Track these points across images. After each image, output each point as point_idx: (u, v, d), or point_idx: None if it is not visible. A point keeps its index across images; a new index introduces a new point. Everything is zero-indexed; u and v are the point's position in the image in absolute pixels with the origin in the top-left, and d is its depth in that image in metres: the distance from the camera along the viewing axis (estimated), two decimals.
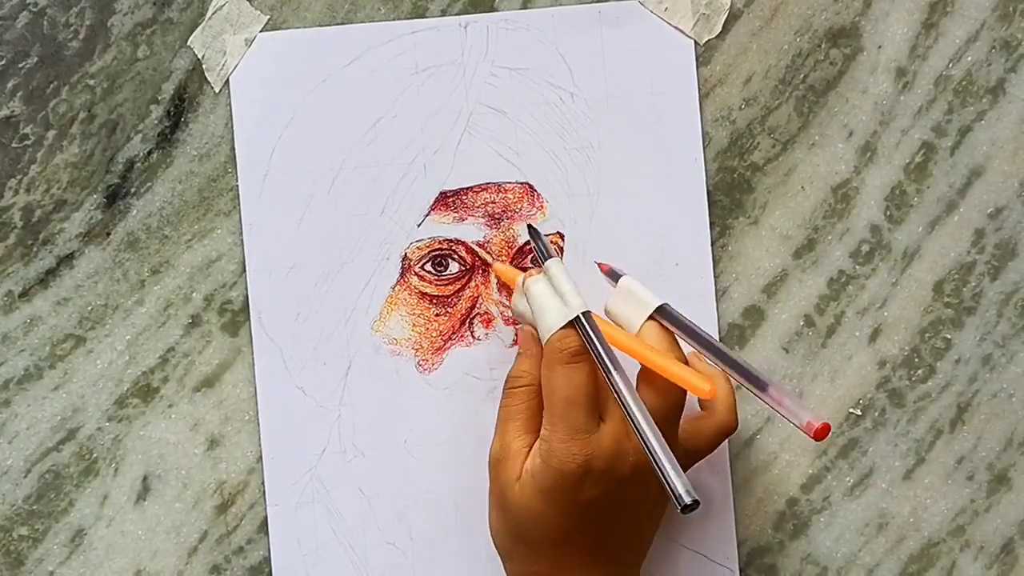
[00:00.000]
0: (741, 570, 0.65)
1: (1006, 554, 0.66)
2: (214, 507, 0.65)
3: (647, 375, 0.58)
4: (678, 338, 0.59)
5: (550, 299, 0.58)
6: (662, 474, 0.53)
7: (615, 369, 0.56)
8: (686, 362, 0.59)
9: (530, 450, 0.58)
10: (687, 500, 0.52)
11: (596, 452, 0.56)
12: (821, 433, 0.55)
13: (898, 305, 0.66)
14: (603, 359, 0.56)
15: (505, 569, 0.61)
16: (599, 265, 0.64)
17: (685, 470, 0.54)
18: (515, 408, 0.59)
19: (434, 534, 0.65)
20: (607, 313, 0.61)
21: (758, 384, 0.57)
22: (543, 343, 0.58)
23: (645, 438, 0.54)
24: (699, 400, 0.61)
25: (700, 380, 0.56)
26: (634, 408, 0.55)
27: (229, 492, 0.65)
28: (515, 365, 0.60)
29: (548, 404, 0.57)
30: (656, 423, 0.55)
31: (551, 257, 0.60)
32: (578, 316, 0.57)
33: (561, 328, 0.57)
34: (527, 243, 0.65)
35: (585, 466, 0.56)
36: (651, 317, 0.59)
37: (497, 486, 0.59)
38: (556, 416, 0.56)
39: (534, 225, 0.64)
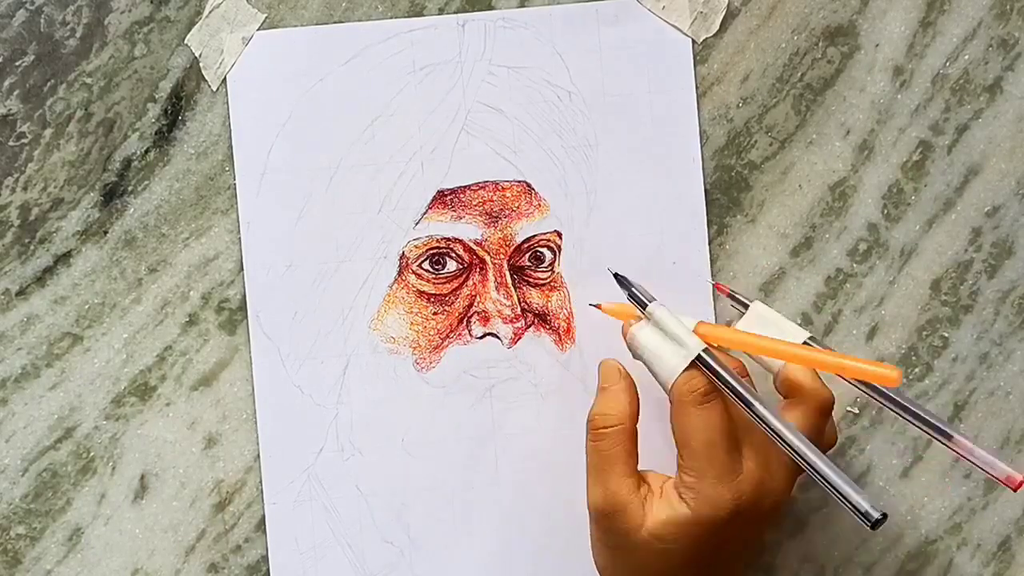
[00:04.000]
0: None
1: (1003, 552, 0.66)
2: (212, 506, 0.65)
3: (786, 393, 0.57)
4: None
5: (663, 343, 0.57)
6: (840, 496, 0.51)
7: (755, 400, 0.54)
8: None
9: (640, 493, 0.56)
10: (876, 515, 0.50)
11: (744, 493, 0.55)
12: (1018, 485, 0.54)
13: (895, 303, 0.66)
14: (739, 391, 0.55)
15: None
16: (716, 286, 0.63)
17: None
18: (612, 452, 0.57)
19: (432, 532, 0.65)
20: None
21: (943, 434, 0.56)
22: (666, 389, 0.56)
23: (811, 463, 0.52)
24: (777, 389, 0.59)
25: (884, 369, 0.55)
26: (789, 436, 0.53)
27: (227, 491, 0.65)
28: (598, 403, 0.58)
29: (687, 449, 0.55)
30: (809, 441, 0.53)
31: (651, 301, 0.58)
32: (699, 355, 0.56)
33: (685, 370, 0.55)
34: (525, 241, 0.65)
35: (736, 509, 0.55)
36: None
37: (613, 535, 0.57)
38: (700, 461, 0.55)
39: (621, 274, 0.61)
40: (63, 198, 0.65)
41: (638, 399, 0.58)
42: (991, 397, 0.66)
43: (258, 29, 0.65)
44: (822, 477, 0.52)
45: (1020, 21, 0.67)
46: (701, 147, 0.66)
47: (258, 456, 0.65)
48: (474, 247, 0.65)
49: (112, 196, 0.65)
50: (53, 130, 0.65)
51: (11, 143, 0.65)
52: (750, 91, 0.66)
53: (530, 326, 0.65)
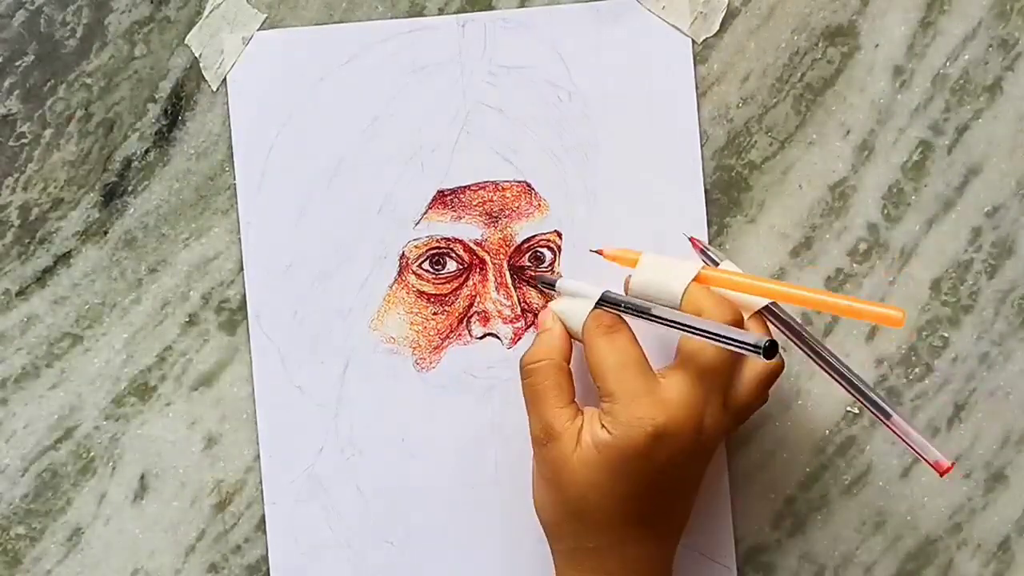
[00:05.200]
0: (739, 568, 0.65)
1: (1003, 552, 0.66)
2: (212, 506, 0.65)
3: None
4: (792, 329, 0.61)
5: (574, 304, 0.61)
6: (730, 341, 0.54)
7: (653, 306, 0.58)
8: (741, 325, 0.59)
9: (576, 423, 0.58)
10: (764, 343, 0.53)
11: (661, 415, 0.56)
12: (948, 470, 0.58)
13: (895, 303, 0.66)
14: (636, 304, 0.58)
15: (552, 549, 0.60)
16: (692, 240, 0.64)
17: (737, 427, 0.58)
18: (545, 385, 0.59)
19: (432, 532, 0.65)
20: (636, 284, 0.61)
21: (882, 412, 0.59)
22: (582, 336, 0.60)
23: (695, 326, 0.56)
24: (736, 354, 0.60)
25: (887, 309, 0.56)
26: (683, 319, 0.56)
27: (227, 491, 0.65)
28: (531, 347, 0.61)
29: (601, 379, 0.58)
30: (712, 371, 0.57)
31: (556, 280, 0.63)
32: (602, 296, 0.60)
33: (591, 312, 0.59)
34: (525, 241, 0.65)
35: (653, 430, 0.56)
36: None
37: (549, 464, 0.58)
38: (611, 384, 0.57)
39: (534, 273, 0.65)
40: (63, 198, 0.65)
41: (570, 342, 0.61)
42: (991, 397, 0.66)
43: (258, 29, 0.65)
44: (712, 333, 0.55)
45: (1020, 21, 0.67)
46: (701, 147, 0.66)
47: (258, 456, 0.65)
48: (474, 247, 0.65)
49: (112, 196, 0.65)
50: (53, 130, 0.65)
51: (11, 143, 0.65)
52: (750, 91, 0.66)
53: (530, 326, 0.65)
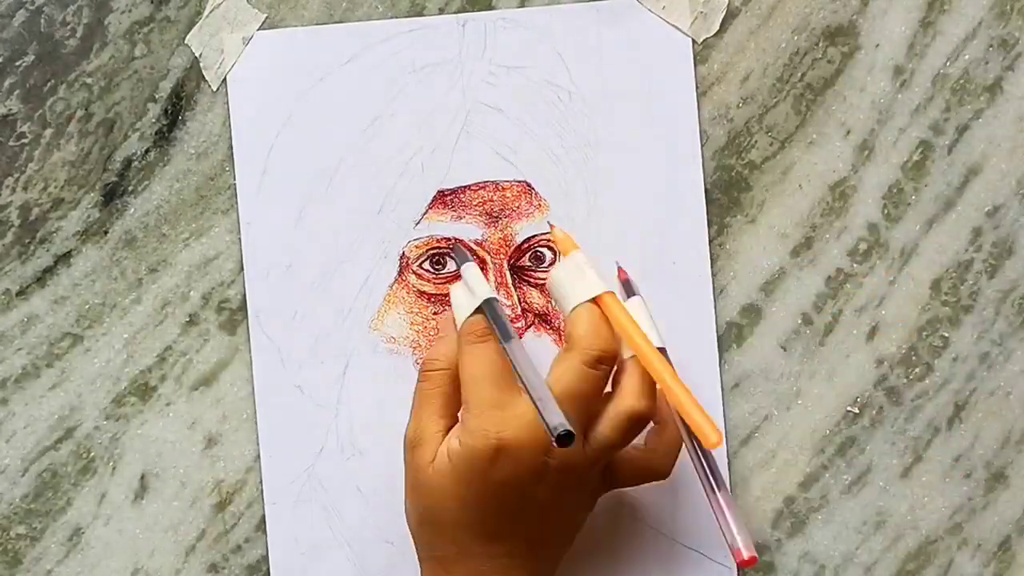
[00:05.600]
0: (739, 568, 0.65)
1: (1003, 552, 0.66)
2: (212, 506, 0.65)
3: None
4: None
5: (463, 297, 0.61)
6: (538, 408, 0.54)
7: (510, 339, 0.58)
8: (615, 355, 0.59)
9: (445, 434, 0.58)
10: (562, 430, 0.52)
11: (508, 429, 0.56)
12: (747, 563, 0.57)
13: (896, 303, 0.66)
14: (501, 333, 0.58)
15: (417, 556, 0.60)
16: (619, 270, 0.64)
17: (601, 468, 0.59)
18: (431, 391, 0.60)
19: None
20: (552, 279, 0.62)
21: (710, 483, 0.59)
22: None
23: (523, 375, 0.55)
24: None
25: (711, 428, 0.56)
26: (524, 369, 0.56)
27: (227, 491, 0.65)
28: (432, 349, 0.62)
29: (463, 386, 0.58)
30: (572, 398, 0.56)
31: (465, 262, 0.63)
32: (484, 301, 0.60)
33: (469, 316, 0.60)
34: (525, 241, 0.65)
35: (497, 443, 0.56)
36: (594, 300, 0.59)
37: (411, 469, 0.59)
38: (468, 393, 0.58)
39: (452, 245, 0.65)
40: (63, 198, 0.65)
41: None
42: (991, 397, 0.66)
43: (258, 29, 0.65)
44: (528, 388, 0.55)
45: (1020, 21, 0.67)
46: (701, 147, 0.66)
47: (258, 456, 0.65)
48: (474, 247, 0.65)
49: (112, 196, 0.65)
50: (53, 130, 0.65)
51: (11, 143, 0.65)
52: (750, 91, 0.66)
53: (530, 326, 0.65)
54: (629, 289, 0.63)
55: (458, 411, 0.60)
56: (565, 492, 0.58)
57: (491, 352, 0.58)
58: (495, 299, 0.60)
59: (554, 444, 0.52)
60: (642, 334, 0.59)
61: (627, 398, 0.58)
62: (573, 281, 0.60)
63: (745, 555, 0.56)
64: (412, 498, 0.60)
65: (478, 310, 0.60)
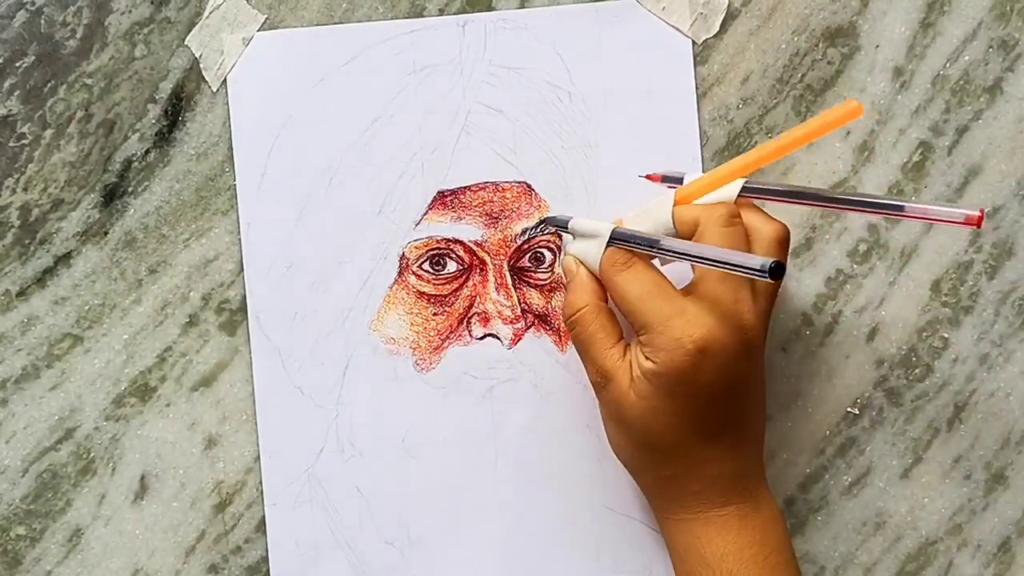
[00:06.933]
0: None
1: (1003, 552, 0.66)
2: (212, 506, 0.65)
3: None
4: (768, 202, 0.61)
5: (586, 245, 0.61)
6: (737, 267, 0.53)
7: (660, 238, 0.58)
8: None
9: (627, 360, 0.59)
10: (771, 263, 0.52)
11: (697, 330, 0.56)
12: (979, 220, 0.56)
13: (895, 304, 0.66)
14: (643, 238, 0.58)
15: (638, 484, 0.62)
16: (648, 177, 0.65)
17: (771, 308, 0.59)
18: (591, 332, 0.60)
19: (432, 533, 0.65)
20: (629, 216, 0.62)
21: (894, 208, 0.58)
22: (601, 278, 0.60)
23: (694, 255, 0.56)
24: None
25: (842, 107, 0.56)
26: (693, 250, 0.56)
27: (227, 491, 0.65)
28: (566, 298, 0.62)
29: (629, 314, 0.58)
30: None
31: (568, 220, 0.63)
32: (612, 231, 0.60)
33: (604, 251, 0.60)
34: (525, 242, 0.65)
35: (694, 346, 0.56)
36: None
37: (612, 405, 0.59)
38: (641, 316, 0.57)
39: (546, 215, 0.66)
40: (63, 199, 0.65)
41: (598, 280, 0.61)
42: (991, 398, 0.66)
43: (258, 30, 0.65)
44: (717, 261, 0.54)
45: (1020, 22, 0.67)
46: (701, 147, 0.66)
47: (258, 457, 0.65)
48: (474, 248, 0.65)
49: (112, 197, 0.65)
50: (53, 131, 0.65)
51: (11, 144, 0.65)
52: (750, 92, 0.66)
53: (530, 327, 0.65)
54: (674, 180, 0.64)
55: (622, 336, 0.60)
56: (759, 360, 0.59)
57: (643, 271, 0.59)
58: (619, 228, 0.60)
59: (768, 279, 0.52)
60: (725, 168, 0.60)
61: (762, 227, 0.59)
62: (645, 208, 0.62)
63: (977, 214, 0.56)
64: (623, 430, 0.60)
65: (608, 244, 0.60)
